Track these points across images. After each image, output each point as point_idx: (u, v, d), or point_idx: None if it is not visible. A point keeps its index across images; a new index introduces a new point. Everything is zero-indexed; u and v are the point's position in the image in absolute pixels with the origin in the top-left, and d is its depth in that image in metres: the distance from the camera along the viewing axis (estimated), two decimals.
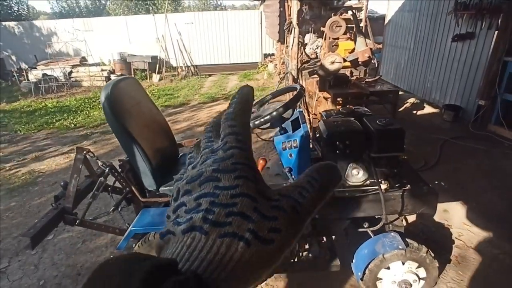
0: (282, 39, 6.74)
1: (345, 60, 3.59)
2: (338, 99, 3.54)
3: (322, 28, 4.72)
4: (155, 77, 9.54)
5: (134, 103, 1.66)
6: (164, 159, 1.74)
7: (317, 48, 5.29)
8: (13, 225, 2.75)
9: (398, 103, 4.07)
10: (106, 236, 2.43)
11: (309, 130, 1.69)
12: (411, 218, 2.37)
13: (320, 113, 2.15)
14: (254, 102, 1.88)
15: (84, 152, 1.64)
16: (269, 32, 8.38)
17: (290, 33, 4.14)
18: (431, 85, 5.26)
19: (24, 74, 9.38)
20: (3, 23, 10.52)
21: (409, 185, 1.57)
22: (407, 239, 1.58)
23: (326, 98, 3.72)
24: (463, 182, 2.91)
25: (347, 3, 5.63)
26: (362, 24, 5.32)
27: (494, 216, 2.40)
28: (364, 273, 1.61)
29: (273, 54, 10.19)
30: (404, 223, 1.80)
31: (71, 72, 9.42)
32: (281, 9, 6.54)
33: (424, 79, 5.48)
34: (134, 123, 1.58)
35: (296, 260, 1.70)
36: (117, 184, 1.85)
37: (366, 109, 1.85)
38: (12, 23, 10.68)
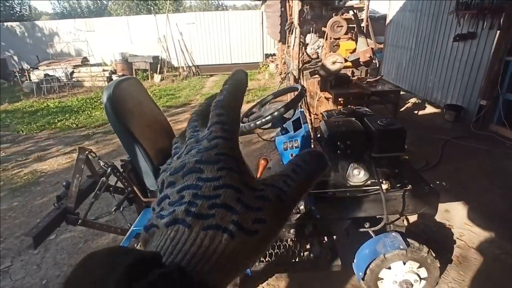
0: (283, 39, 6.74)
1: (346, 60, 3.59)
2: (339, 99, 3.54)
3: (323, 28, 4.72)
4: (157, 77, 9.56)
5: (136, 103, 1.66)
6: (166, 159, 1.72)
7: (318, 48, 5.28)
8: (16, 225, 2.76)
9: (399, 103, 4.07)
10: (108, 236, 2.44)
11: (310, 130, 1.70)
12: (412, 218, 2.37)
13: (321, 113, 2.15)
14: (255, 103, 1.87)
15: (86, 152, 1.65)
16: (271, 32, 8.38)
17: (292, 33, 4.15)
18: (433, 85, 5.24)
19: (26, 74, 9.41)
20: (5, 23, 10.59)
21: (410, 185, 1.57)
22: (408, 239, 1.58)
23: (327, 98, 3.72)
24: (464, 182, 2.90)
25: (348, 3, 5.62)
26: (363, 24, 5.31)
27: (496, 216, 2.39)
28: (365, 273, 1.61)
29: (274, 54, 10.19)
30: (405, 223, 1.80)
31: (72, 72, 9.45)
32: (283, 9, 6.53)
33: (425, 79, 5.47)
34: (136, 123, 1.59)
35: (297, 260, 1.70)
36: (119, 184, 1.86)
37: (367, 109, 1.86)
38: (14, 24, 10.74)
